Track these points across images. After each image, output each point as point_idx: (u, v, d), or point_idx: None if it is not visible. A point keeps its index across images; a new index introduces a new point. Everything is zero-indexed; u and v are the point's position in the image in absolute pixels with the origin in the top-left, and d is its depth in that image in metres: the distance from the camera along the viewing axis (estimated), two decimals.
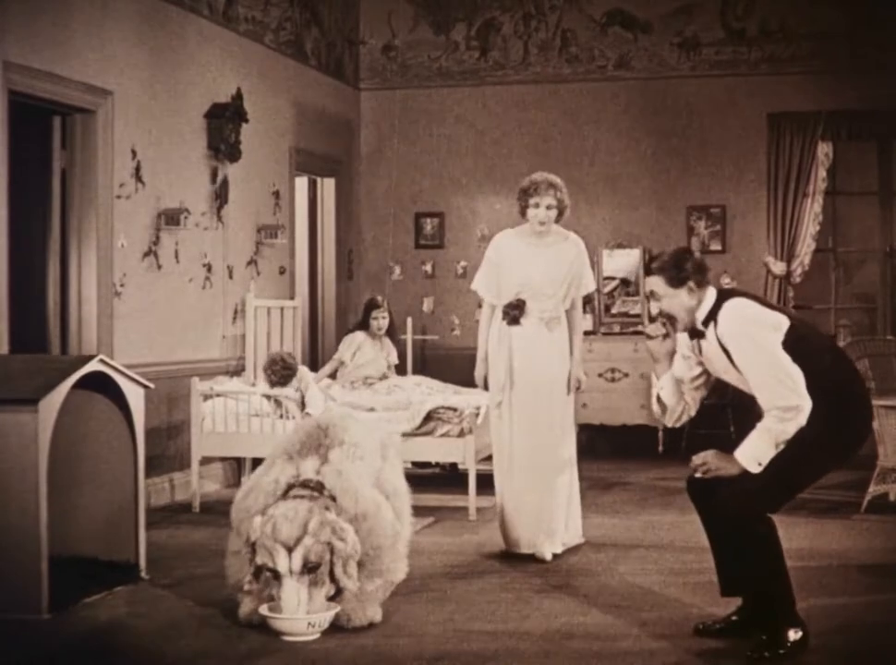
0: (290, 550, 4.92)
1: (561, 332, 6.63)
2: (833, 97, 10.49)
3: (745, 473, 4.67)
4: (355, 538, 5.05)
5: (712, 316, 4.81)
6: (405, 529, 5.53)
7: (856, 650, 4.85)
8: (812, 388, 4.66)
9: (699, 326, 4.86)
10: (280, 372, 8.27)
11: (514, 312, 6.55)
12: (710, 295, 4.87)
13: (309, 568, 4.93)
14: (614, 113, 11.14)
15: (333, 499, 5.11)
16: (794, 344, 4.71)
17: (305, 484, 5.15)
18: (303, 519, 4.97)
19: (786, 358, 4.67)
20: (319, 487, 5.14)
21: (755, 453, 4.67)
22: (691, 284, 4.83)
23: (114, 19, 7.81)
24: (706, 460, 4.77)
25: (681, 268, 4.84)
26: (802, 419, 4.62)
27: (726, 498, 4.69)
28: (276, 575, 4.94)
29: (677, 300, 4.84)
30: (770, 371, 4.66)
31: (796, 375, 4.64)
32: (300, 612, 4.91)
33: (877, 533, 7.15)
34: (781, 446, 4.65)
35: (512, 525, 6.55)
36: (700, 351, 4.93)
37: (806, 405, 4.62)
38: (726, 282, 10.65)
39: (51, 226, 7.65)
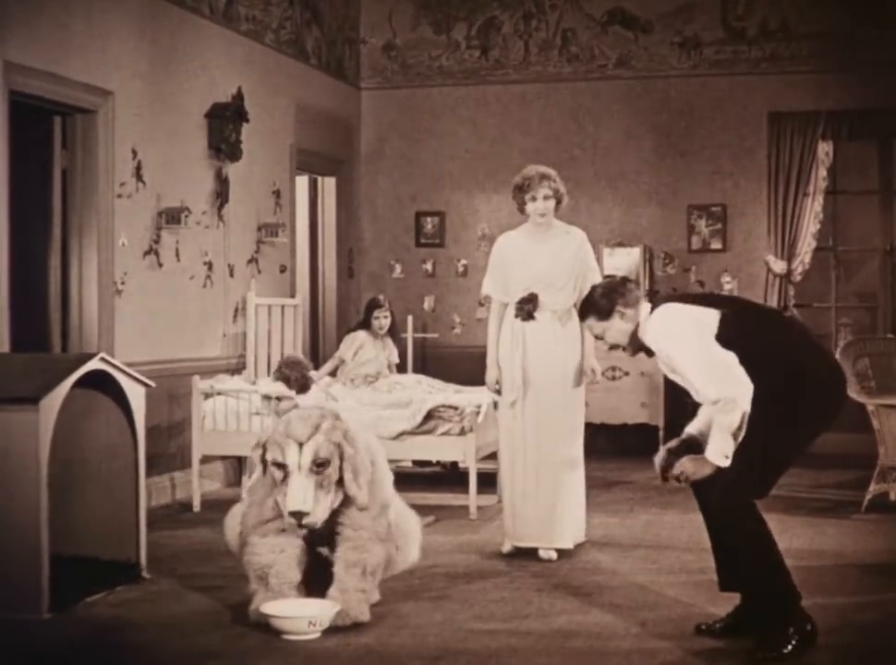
0: (301, 445, 5.02)
1: (573, 325, 6.62)
2: (833, 96, 10.49)
3: (721, 468, 4.71)
4: (365, 456, 5.17)
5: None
6: (407, 556, 5.53)
7: (856, 650, 4.86)
8: (763, 369, 4.69)
9: (646, 343, 4.94)
10: (309, 377, 8.19)
11: (528, 307, 6.55)
12: (645, 310, 4.96)
13: (318, 465, 5.02)
14: (615, 112, 11.14)
15: None
16: (730, 334, 4.73)
17: None
18: (316, 420, 5.13)
19: (715, 348, 4.71)
20: None
21: (718, 448, 4.72)
22: (619, 309, 4.95)
23: (114, 20, 7.82)
24: (682, 469, 4.83)
25: (604, 300, 4.98)
26: (744, 405, 4.67)
27: (711, 497, 4.74)
28: (284, 473, 5.02)
29: (614, 329, 4.99)
30: (698, 365, 4.71)
31: (729, 361, 4.68)
32: (306, 507, 4.97)
33: (877, 532, 7.15)
34: (740, 434, 4.69)
35: (519, 521, 6.55)
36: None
37: (744, 390, 4.66)
38: (727, 280, 10.68)
39: (52, 226, 7.66)
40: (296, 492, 4.99)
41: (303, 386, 8.15)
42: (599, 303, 4.98)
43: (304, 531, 5.14)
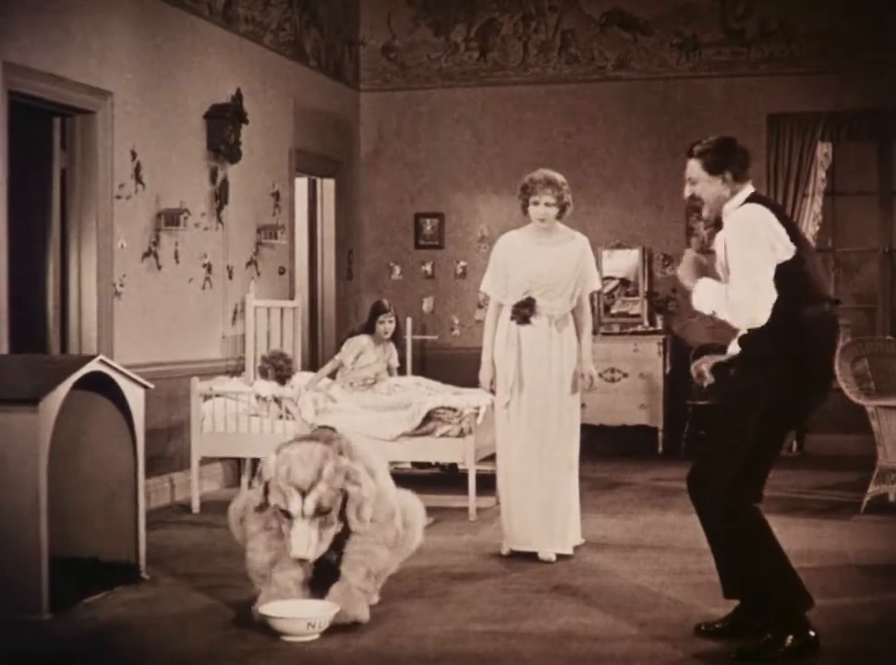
0: (304, 494, 5.00)
1: (569, 331, 6.63)
2: (833, 97, 10.49)
3: (719, 463, 4.70)
4: (370, 481, 5.16)
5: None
6: (415, 534, 5.52)
7: (856, 651, 4.85)
8: (775, 330, 4.64)
9: (724, 218, 4.83)
10: (284, 367, 8.38)
11: (525, 311, 6.55)
12: (746, 191, 4.84)
13: (320, 512, 5.02)
14: (614, 113, 11.14)
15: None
16: (782, 277, 4.65)
17: (320, 428, 5.38)
18: (318, 464, 5.05)
19: (767, 269, 4.63)
20: (332, 430, 5.31)
21: (703, 296, 4.77)
22: (727, 174, 4.81)
23: (114, 20, 7.82)
24: (687, 255, 4.91)
25: (721, 155, 4.84)
26: (740, 321, 4.67)
27: (709, 499, 4.72)
28: (287, 516, 5.03)
29: (711, 187, 4.84)
30: (743, 266, 4.63)
31: (767, 290, 4.62)
32: (310, 553, 5.01)
33: (876, 533, 7.15)
34: (715, 314, 4.73)
35: (517, 524, 6.54)
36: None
37: (756, 315, 4.61)
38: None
39: (51, 227, 7.65)
40: (300, 540, 5.00)
41: (280, 377, 8.33)
42: (713, 157, 4.83)
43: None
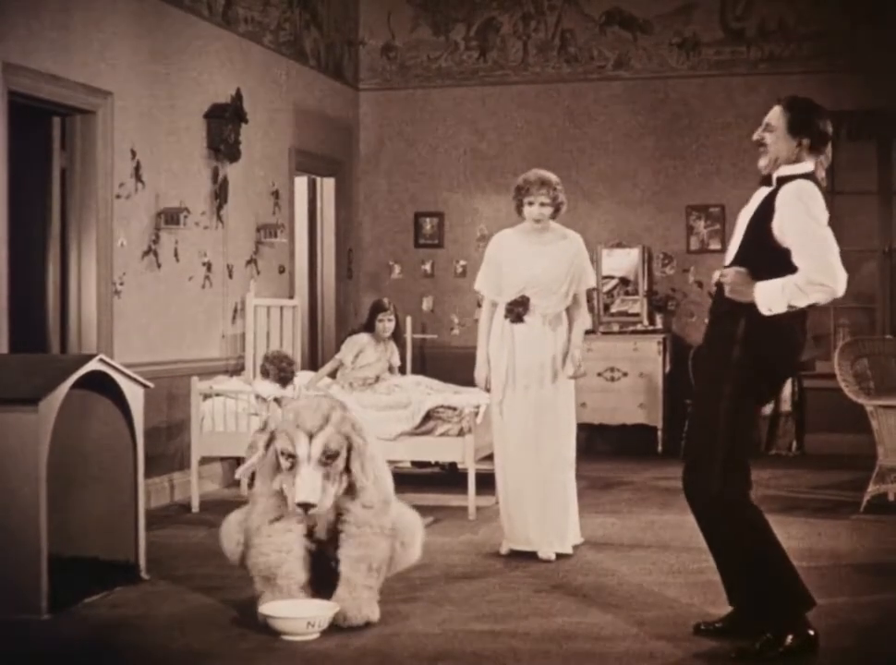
0: (311, 436, 5.04)
1: (563, 330, 6.63)
2: (832, 97, 10.44)
3: (702, 459, 4.69)
4: (374, 447, 5.24)
5: (791, 180, 4.71)
6: (412, 553, 5.51)
7: (855, 650, 4.86)
8: (751, 317, 4.62)
9: (774, 179, 4.77)
10: (287, 369, 8.38)
11: (519, 309, 6.55)
12: (808, 165, 4.77)
13: (327, 456, 5.04)
14: (614, 113, 11.14)
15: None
16: (787, 264, 4.60)
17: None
18: (326, 411, 5.14)
19: (832, 239, 4.60)
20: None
21: (769, 297, 4.58)
22: (806, 140, 4.75)
23: (113, 20, 7.82)
24: (728, 273, 4.70)
25: (808, 120, 4.76)
26: (822, 298, 4.57)
27: (704, 494, 4.70)
28: (293, 463, 5.04)
29: (782, 144, 4.75)
30: (818, 242, 4.57)
31: (836, 256, 4.57)
32: (315, 498, 4.99)
33: (876, 533, 7.15)
34: (792, 309, 4.59)
35: (516, 523, 6.55)
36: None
37: (837, 288, 4.54)
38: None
39: (51, 226, 7.66)
40: (306, 484, 4.99)
41: (283, 379, 8.32)
42: (800, 116, 4.75)
43: (309, 521, 5.19)
